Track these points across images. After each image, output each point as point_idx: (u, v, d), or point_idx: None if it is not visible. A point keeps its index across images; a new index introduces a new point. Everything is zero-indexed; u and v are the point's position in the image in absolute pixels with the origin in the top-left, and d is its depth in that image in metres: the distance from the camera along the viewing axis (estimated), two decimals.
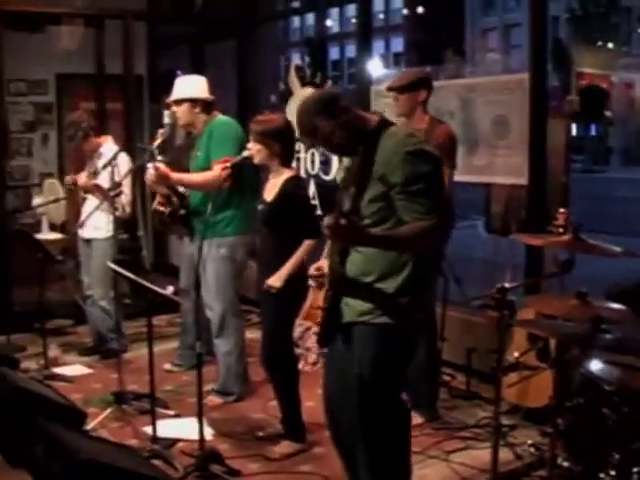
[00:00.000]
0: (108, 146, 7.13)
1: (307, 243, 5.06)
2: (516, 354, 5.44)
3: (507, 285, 4.36)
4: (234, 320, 6.15)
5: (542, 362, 5.38)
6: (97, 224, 7.00)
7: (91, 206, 6.89)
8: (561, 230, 4.58)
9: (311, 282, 4.15)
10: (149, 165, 5.95)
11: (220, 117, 6.25)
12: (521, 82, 6.28)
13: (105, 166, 6.37)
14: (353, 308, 3.82)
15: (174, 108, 6.17)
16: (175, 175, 6.01)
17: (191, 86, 6.20)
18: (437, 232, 3.67)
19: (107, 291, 7.12)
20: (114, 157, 6.43)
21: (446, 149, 5.41)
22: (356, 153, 3.91)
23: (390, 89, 5.79)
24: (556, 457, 4.29)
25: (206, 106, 6.19)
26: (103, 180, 6.71)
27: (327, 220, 3.47)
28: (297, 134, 5.29)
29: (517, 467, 4.97)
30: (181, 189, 6.24)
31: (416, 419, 5.37)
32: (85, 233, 7.18)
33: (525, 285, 5.87)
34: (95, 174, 6.75)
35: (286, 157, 5.25)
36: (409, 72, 6.05)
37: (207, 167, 5.98)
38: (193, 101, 6.13)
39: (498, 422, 4.51)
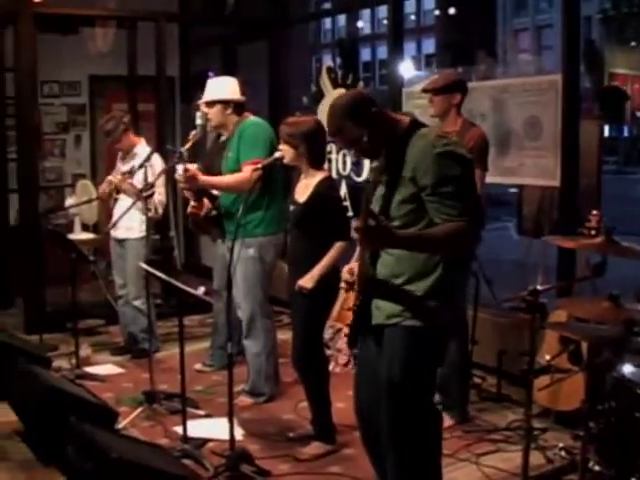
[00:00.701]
0: (142, 147, 7.19)
1: (339, 245, 5.06)
2: (547, 357, 5.41)
3: (539, 287, 4.34)
4: (263, 321, 6.14)
5: (574, 365, 5.34)
6: (130, 224, 7.03)
7: (123, 206, 6.90)
8: (593, 232, 4.56)
9: (342, 284, 4.14)
10: (179, 166, 5.97)
11: (251, 118, 6.26)
12: (553, 83, 6.25)
13: (142, 165, 6.37)
14: (383, 310, 3.80)
15: (206, 109, 6.18)
16: (204, 177, 6.02)
17: (223, 88, 6.21)
18: (469, 234, 3.63)
19: (141, 290, 7.15)
20: (148, 157, 6.46)
21: (478, 152, 5.41)
22: (379, 157, 3.91)
23: (425, 90, 5.79)
24: (588, 461, 4.26)
25: (237, 107, 6.20)
26: (137, 181, 6.76)
27: (356, 223, 3.46)
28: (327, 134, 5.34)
29: (548, 471, 4.93)
30: (212, 190, 6.25)
31: (446, 421, 5.36)
32: (118, 233, 7.21)
33: (557, 287, 5.84)
34: (132, 173, 6.76)
35: (314, 159, 5.24)
36: (445, 74, 6.04)
37: (237, 168, 6.00)
38: (225, 103, 6.15)
39: (529, 425, 4.49)
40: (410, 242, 3.64)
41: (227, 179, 6.06)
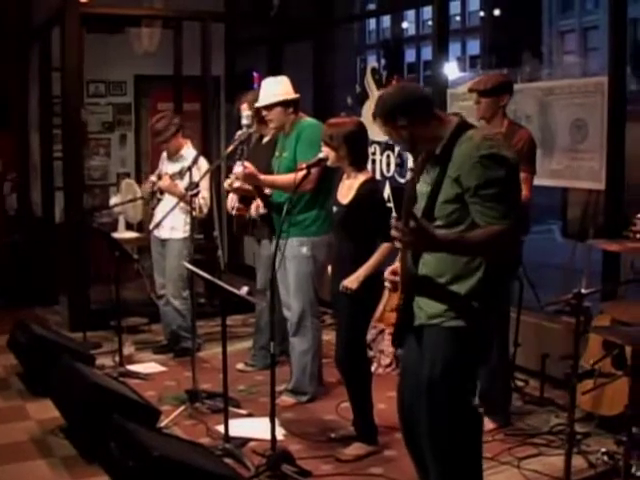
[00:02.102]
0: (188, 149, 7.21)
1: (384, 246, 5.04)
2: (591, 361, 5.37)
3: (583, 291, 4.31)
4: (312, 320, 6.13)
5: (617, 370, 5.30)
6: (174, 224, 7.06)
7: (167, 207, 6.93)
8: (639, 236, 4.52)
9: (386, 284, 4.13)
10: (237, 164, 6.00)
11: (307, 119, 6.22)
12: (599, 85, 6.20)
13: (190, 168, 6.37)
14: (425, 311, 3.79)
15: (265, 112, 6.14)
16: (262, 176, 6.02)
17: (279, 88, 6.12)
18: (511, 237, 3.62)
19: (180, 291, 7.19)
20: (196, 160, 6.50)
21: (526, 154, 5.36)
22: (412, 153, 3.95)
23: (472, 91, 5.72)
24: (630, 466, 4.23)
25: (296, 105, 6.18)
26: (181, 182, 6.78)
27: (395, 223, 3.45)
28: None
29: (590, 475, 4.88)
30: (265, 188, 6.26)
31: (488, 424, 5.34)
32: (162, 233, 7.22)
33: (601, 291, 5.79)
34: (182, 175, 6.75)
35: (355, 160, 5.21)
36: (492, 76, 5.93)
37: (293, 168, 5.96)
38: (285, 104, 6.14)
39: (572, 429, 4.46)
40: (450, 246, 3.62)
41: (283, 177, 6.01)
